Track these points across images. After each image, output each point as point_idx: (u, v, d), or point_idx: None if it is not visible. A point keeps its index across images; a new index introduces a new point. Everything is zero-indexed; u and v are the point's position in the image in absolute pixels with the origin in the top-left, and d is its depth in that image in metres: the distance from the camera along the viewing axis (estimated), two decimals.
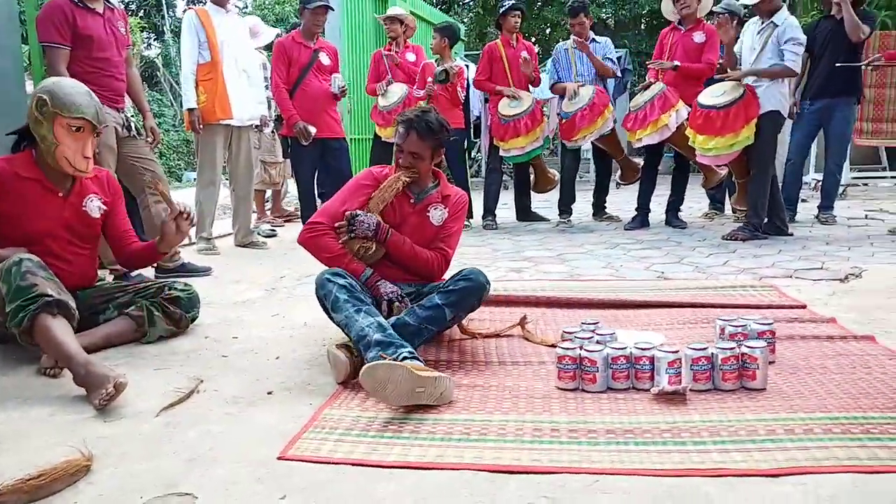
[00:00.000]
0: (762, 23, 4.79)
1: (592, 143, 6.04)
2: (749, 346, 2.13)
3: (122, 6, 14.06)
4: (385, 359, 2.04)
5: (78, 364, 2.17)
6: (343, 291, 2.32)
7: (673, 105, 5.23)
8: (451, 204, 2.67)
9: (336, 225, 2.53)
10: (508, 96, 5.75)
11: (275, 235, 5.71)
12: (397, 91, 5.81)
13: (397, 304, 2.43)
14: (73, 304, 2.39)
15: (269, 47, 5.97)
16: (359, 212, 2.52)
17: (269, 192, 6.80)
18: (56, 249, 2.64)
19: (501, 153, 5.88)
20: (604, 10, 13.35)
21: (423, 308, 2.39)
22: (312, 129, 4.98)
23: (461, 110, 5.94)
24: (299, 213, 5.76)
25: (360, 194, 2.61)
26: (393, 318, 2.39)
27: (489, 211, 6.07)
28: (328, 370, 2.34)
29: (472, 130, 7.69)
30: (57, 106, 2.55)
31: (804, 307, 3.03)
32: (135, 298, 2.81)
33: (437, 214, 2.63)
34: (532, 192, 6.46)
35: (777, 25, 4.68)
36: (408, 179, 2.56)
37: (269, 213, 6.82)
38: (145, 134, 3.98)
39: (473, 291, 2.44)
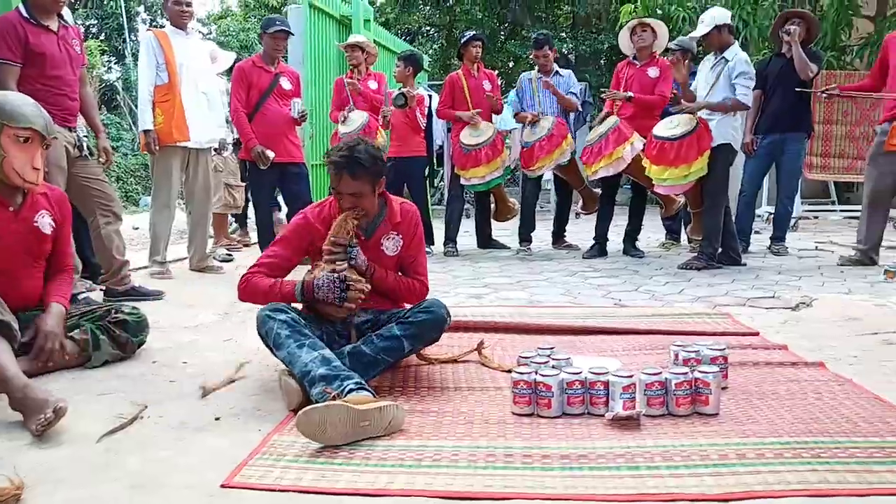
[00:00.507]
0: (715, 58, 4.95)
1: (553, 172, 6.11)
2: (702, 372, 2.14)
3: (82, 27, 13.90)
4: (329, 393, 2.00)
5: (15, 388, 2.09)
6: (284, 327, 2.26)
7: (627, 138, 5.34)
8: (403, 228, 2.59)
9: (324, 248, 2.46)
10: (467, 120, 5.79)
11: (231, 260, 5.62)
12: (357, 119, 5.82)
13: (350, 285, 2.38)
14: (15, 324, 2.30)
15: (229, 72, 5.95)
16: (356, 244, 2.48)
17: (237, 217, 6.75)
18: (4, 265, 2.55)
19: (462, 181, 5.91)
20: (565, 45, 13.65)
21: (381, 338, 2.36)
22: (270, 154, 4.94)
23: (422, 137, 5.97)
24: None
25: (298, 240, 2.56)
26: (349, 346, 2.36)
27: (450, 238, 6.07)
28: (280, 396, 2.29)
29: (434, 159, 7.73)
30: (4, 117, 2.49)
31: (757, 334, 3.07)
32: (80, 321, 2.72)
33: (390, 245, 2.59)
34: (493, 221, 6.50)
35: (728, 61, 4.84)
36: (356, 221, 2.48)
37: (236, 235, 6.73)
38: (98, 154, 3.90)
39: (434, 325, 2.42)
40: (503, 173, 5.91)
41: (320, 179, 7.34)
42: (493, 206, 6.46)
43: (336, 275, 2.39)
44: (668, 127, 4.91)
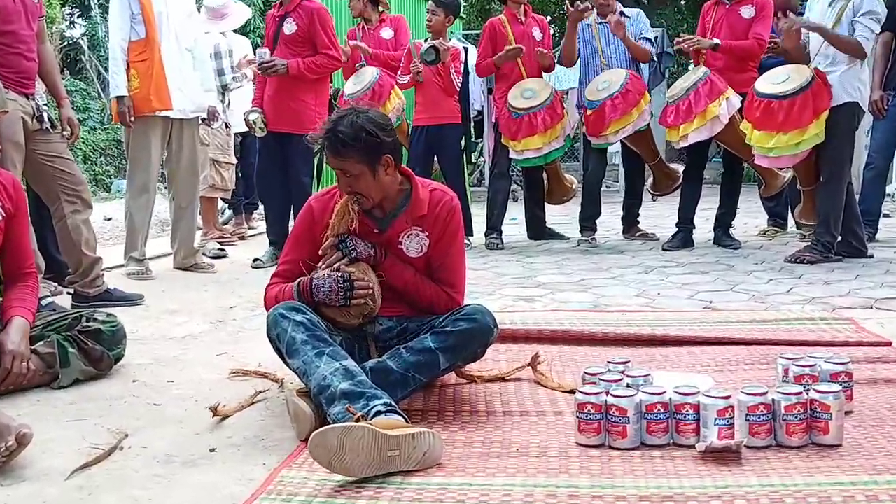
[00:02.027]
0: None
1: (622, 142, 6.07)
2: (820, 392, 2.11)
3: None
4: (352, 413, 2.02)
5: None
6: (301, 330, 2.29)
7: (722, 92, 5.27)
8: (430, 222, 2.56)
9: (321, 251, 2.53)
10: (508, 59, 5.75)
11: (224, 256, 5.70)
12: (366, 76, 5.84)
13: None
14: None
15: (245, 30, 6.07)
16: (342, 236, 2.52)
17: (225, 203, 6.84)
18: None
19: (512, 155, 5.92)
20: None
21: (410, 351, 2.37)
22: (252, 117, 5.15)
23: (457, 101, 5.97)
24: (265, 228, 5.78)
25: (308, 237, 2.60)
26: (371, 362, 2.37)
27: (494, 227, 6.08)
28: (288, 423, 2.31)
29: (472, 128, 7.73)
30: None
31: (889, 344, 3.02)
32: (44, 332, 2.78)
33: (412, 244, 2.58)
34: (547, 204, 6.48)
35: None
36: (355, 209, 2.52)
37: (230, 225, 6.83)
38: (61, 126, 3.97)
39: (476, 336, 2.41)
40: (564, 143, 5.90)
41: None
42: (546, 184, 6.44)
43: (338, 273, 2.42)
44: (775, 81, 4.82)
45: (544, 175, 6.32)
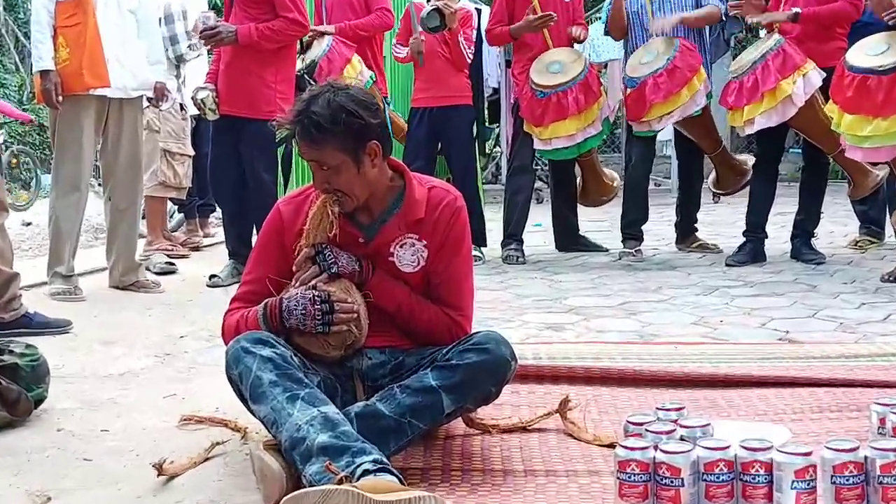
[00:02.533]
0: None
1: (675, 129, 6.06)
2: None
3: None
4: (333, 473, 2.01)
5: None
6: (268, 368, 2.28)
7: (798, 66, 5.28)
8: (428, 228, 2.57)
9: (295, 266, 2.52)
10: (530, 30, 5.78)
11: (173, 271, 5.72)
12: (316, 46, 5.68)
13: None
14: None
15: None
16: (319, 245, 2.52)
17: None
18: None
19: (537, 145, 5.93)
20: None
21: (406, 391, 2.37)
22: (201, 95, 5.17)
23: (467, 77, 5.98)
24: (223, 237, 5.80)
25: (273, 253, 2.61)
26: (358, 405, 2.37)
27: (513, 236, 6.09)
28: (252, 485, 2.31)
29: (486, 110, 7.75)
30: None
31: None
32: None
33: (406, 255, 2.58)
34: (581, 205, 6.49)
35: None
36: (335, 211, 2.51)
37: (181, 232, 6.84)
38: None
39: (489, 371, 2.41)
40: (602, 129, 5.91)
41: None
42: (579, 181, 6.45)
43: (314, 292, 2.43)
44: (872, 52, 4.80)
45: (577, 169, 6.33)
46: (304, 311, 2.43)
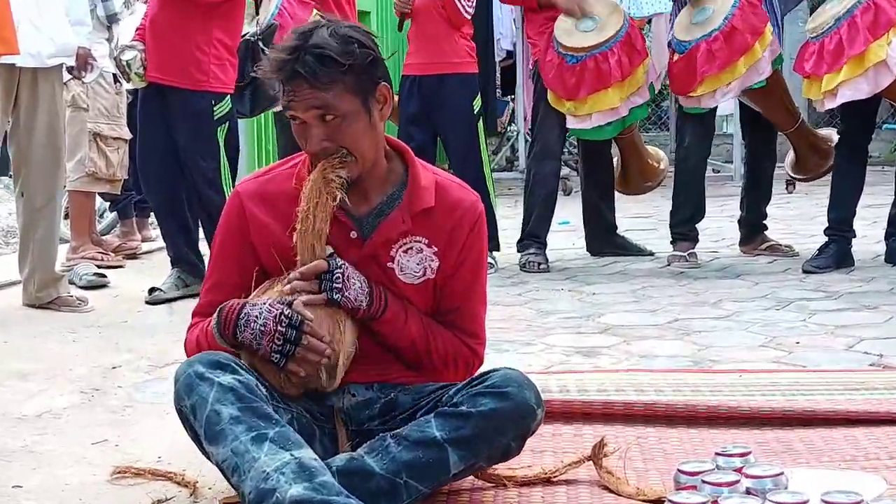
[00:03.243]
0: None
1: (739, 102, 6.04)
2: None
3: None
4: None
5: None
6: (229, 399, 2.26)
7: (894, 23, 5.27)
8: (438, 228, 2.57)
9: (298, 273, 2.44)
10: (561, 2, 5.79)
11: (104, 285, 5.70)
12: (262, 12, 5.69)
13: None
14: None
15: None
16: (334, 259, 2.46)
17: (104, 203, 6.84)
18: None
19: (571, 123, 5.95)
20: None
21: (403, 443, 2.36)
22: (127, 56, 5.12)
23: (467, 38, 5.96)
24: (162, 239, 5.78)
25: (237, 249, 2.60)
26: (340, 458, 2.36)
27: (534, 237, 6.10)
28: None
29: (497, 79, 7.73)
30: None
31: None
32: None
33: (411, 263, 2.55)
34: (620, 192, 6.48)
35: None
36: (341, 176, 2.45)
37: (114, 234, 6.83)
38: None
39: (508, 421, 2.41)
40: (649, 98, 5.94)
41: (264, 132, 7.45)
42: (617, 164, 6.42)
43: (283, 308, 2.38)
44: None
45: (617, 150, 6.33)
46: (262, 328, 2.36)
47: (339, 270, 2.43)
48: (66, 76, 5.33)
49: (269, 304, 2.38)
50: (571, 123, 5.90)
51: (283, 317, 2.36)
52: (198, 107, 5.09)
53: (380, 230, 2.53)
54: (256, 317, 2.37)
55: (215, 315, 2.43)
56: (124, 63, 5.19)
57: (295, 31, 2.45)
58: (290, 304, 2.38)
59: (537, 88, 6.12)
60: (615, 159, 6.53)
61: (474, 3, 5.87)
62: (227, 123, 5.33)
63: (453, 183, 2.64)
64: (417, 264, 2.55)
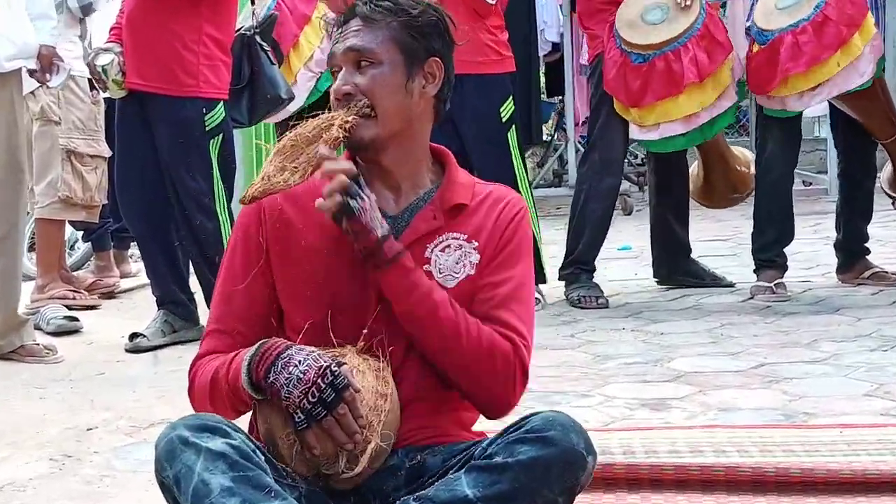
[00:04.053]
0: None
1: (831, 104, 6.03)
2: None
3: None
4: None
5: None
6: (219, 468, 2.25)
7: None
8: (485, 231, 2.59)
9: (313, 157, 2.42)
10: None
11: (76, 330, 5.71)
12: (257, 6, 5.69)
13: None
14: None
15: None
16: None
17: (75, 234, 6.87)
18: None
19: (636, 134, 5.98)
20: None
21: None
22: (103, 60, 5.13)
23: (495, 31, 5.96)
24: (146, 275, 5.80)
25: (250, 265, 2.59)
26: None
27: (583, 264, 6.10)
28: None
29: (540, 79, 7.72)
30: None
31: None
32: None
33: (449, 262, 2.57)
34: (696, 201, 6.46)
35: None
36: (349, 119, 2.46)
37: (89, 269, 6.84)
38: None
39: (552, 472, 2.39)
40: (737, 97, 5.93)
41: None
42: (696, 171, 6.41)
43: (331, 360, 2.36)
44: None
45: (698, 156, 6.32)
46: (301, 375, 2.34)
47: (355, 197, 2.43)
48: (32, 84, 5.34)
49: (318, 354, 2.38)
50: (636, 133, 5.91)
51: (328, 372, 2.34)
52: (186, 116, 5.12)
53: (412, 227, 2.57)
54: (299, 361, 2.35)
55: (255, 346, 2.42)
56: (99, 69, 5.19)
57: None
58: (340, 365, 2.37)
59: (599, 88, 6.08)
60: (693, 165, 6.50)
61: None
62: (220, 135, 5.34)
63: (494, 184, 2.70)
64: (456, 262, 2.58)
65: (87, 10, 6.24)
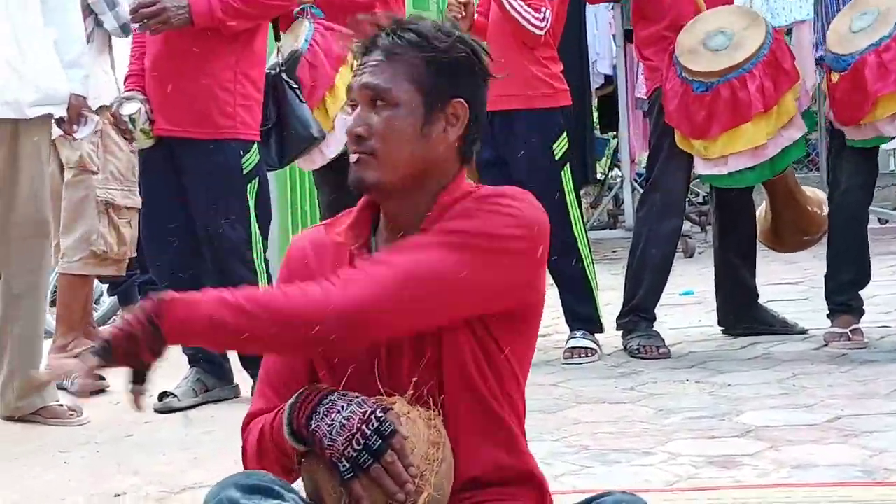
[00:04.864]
0: None
1: None
2: None
3: None
4: None
5: None
6: None
7: None
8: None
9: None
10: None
11: (103, 390, 5.67)
12: (294, 38, 5.70)
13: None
14: None
15: None
16: None
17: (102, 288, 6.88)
18: None
19: (702, 169, 5.97)
20: None
21: None
22: (130, 110, 5.08)
23: (547, 61, 5.94)
24: None
25: None
26: None
27: (642, 311, 6.09)
28: None
29: (592, 113, 7.71)
30: None
31: None
32: None
33: None
34: (765, 245, 6.43)
35: None
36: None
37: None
38: None
39: None
40: (806, 131, 5.93)
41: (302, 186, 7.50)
42: (763, 212, 6.38)
43: (377, 405, 2.34)
44: None
45: (764, 193, 6.29)
46: (344, 421, 2.33)
47: None
48: (56, 130, 5.34)
49: (362, 400, 2.35)
50: (702, 168, 5.87)
51: (373, 418, 2.32)
52: (225, 160, 5.11)
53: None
54: (342, 407, 2.33)
55: (296, 393, 2.41)
56: (126, 118, 5.16)
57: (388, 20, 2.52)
58: (386, 411, 2.35)
59: (659, 123, 6.06)
60: (761, 207, 6.47)
61: (548, 17, 5.81)
62: (257, 178, 5.33)
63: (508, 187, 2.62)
64: None
65: (126, 29, 6.13)
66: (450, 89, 2.45)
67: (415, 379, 2.43)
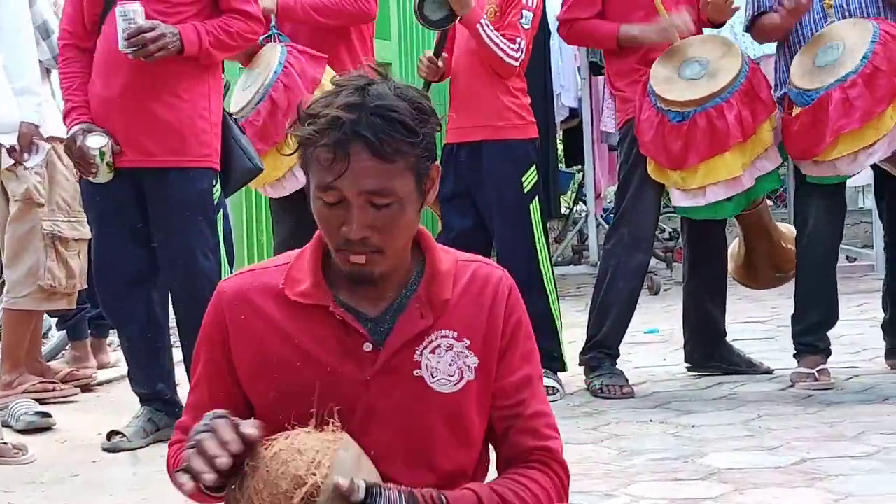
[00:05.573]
0: None
1: (876, 170, 6.10)
2: None
3: None
4: None
5: None
6: None
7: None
8: (472, 322, 2.53)
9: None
10: (659, 39, 5.85)
11: (49, 427, 5.68)
12: (261, 69, 5.79)
13: None
14: None
15: None
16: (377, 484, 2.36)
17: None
18: None
19: (679, 201, 5.98)
20: None
21: None
22: (95, 143, 5.03)
23: (516, 97, 5.98)
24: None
25: (219, 369, 2.63)
26: None
27: (606, 348, 6.11)
28: None
29: (559, 143, 7.74)
30: None
31: None
32: None
33: (442, 365, 2.51)
34: (738, 282, 6.48)
35: None
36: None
37: (64, 361, 6.83)
38: None
39: None
40: (781, 162, 5.97)
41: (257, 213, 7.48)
42: (735, 248, 6.41)
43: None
44: None
45: (739, 229, 6.33)
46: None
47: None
48: (7, 161, 5.34)
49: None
50: (679, 200, 5.88)
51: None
52: (199, 189, 5.12)
53: (396, 332, 2.51)
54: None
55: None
56: (95, 152, 5.05)
57: (339, 82, 2.45)
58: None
59: (630, 154, 6.07)
60: (733, 243, 6.49)
61: (522, 47, 5.81)
62: (221, 209, 5.37)
63: (474, 260, 2.63)
64: (450, 364, 2.52)
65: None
66: (430, 159, 2.47)
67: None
